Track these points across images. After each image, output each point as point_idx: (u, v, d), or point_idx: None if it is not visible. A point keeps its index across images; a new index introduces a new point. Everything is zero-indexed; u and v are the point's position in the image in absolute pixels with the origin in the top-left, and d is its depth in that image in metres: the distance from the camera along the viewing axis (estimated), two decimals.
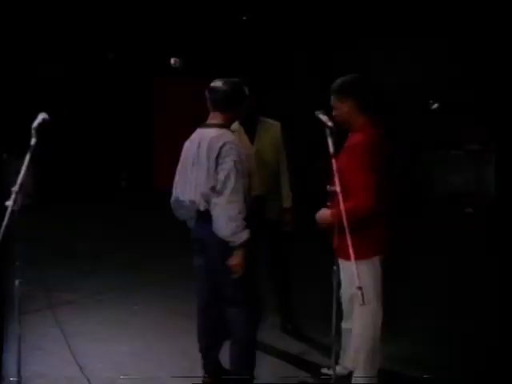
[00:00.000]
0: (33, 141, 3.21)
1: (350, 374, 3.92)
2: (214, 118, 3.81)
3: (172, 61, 12.28)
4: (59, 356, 4.30)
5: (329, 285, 3.38)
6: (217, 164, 3.61)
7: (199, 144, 3.72)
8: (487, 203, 10.41)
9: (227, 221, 3.56)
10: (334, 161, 3.25)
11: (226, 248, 3.64)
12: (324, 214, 3.74)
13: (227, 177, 3.58)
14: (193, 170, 3.75)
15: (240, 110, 3.90)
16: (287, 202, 4.82)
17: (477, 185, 10.97)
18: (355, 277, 2.91)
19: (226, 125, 3.79)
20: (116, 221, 9.54)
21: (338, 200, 3.19)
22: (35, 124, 3.27)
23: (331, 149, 3.28)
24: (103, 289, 6.09)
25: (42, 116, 3.32)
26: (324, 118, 3.42)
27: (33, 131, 3.24)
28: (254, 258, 3.86)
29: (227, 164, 3.59)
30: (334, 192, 3.21)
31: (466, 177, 11.16)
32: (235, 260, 3.61)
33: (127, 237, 8.47)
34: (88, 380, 3.82)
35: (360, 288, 2.89)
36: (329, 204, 3.52)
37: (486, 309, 5.54)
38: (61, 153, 10.55)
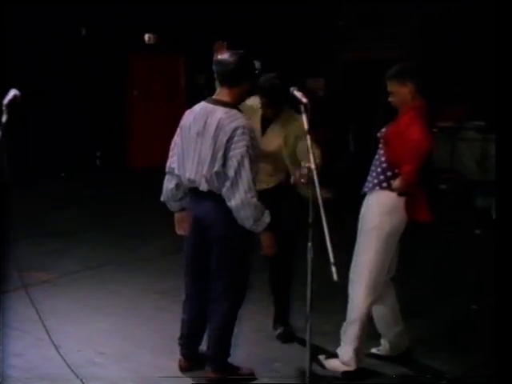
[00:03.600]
0: (4, 118, 3.16)
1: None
2: (222, 94, 3.64)
3: (146, 37, 12.12)
4: (34, 336, 4.27)
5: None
6: (226, 148, 3.47)
7: (206, 120, 3.56)
8: (461, 180, 10.53)
9: (252, 211, 3.47)
10: (308, 137, 3.25)
11: (228, 226, 3.58)
12: (396, 184, 3.76)
13: (241, 163, 3.46)
14: (197, 144, 3.59)
15: (249, 85, 3.68)
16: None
17: (451, 162, 11.06)
18: (329, 251, 2.95)
19: (234, 103, 3.61)
20: (91, 199, 9.46)
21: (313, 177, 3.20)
22: (6, 100, 3.22)
23: (306, 125, 3.28)
24: (78, 267, 6.05)
25: (13, 92, 3.27)
26: (298, 94, 3.41)
27: (4, 108, 3.19)
28: (249, 249, 3.80)
29: (240, 149, 3.46)
30: (309, 168, 3.22)
31: (440, 154, 11.23)
32: (266, 243, 3.64)
33: (102, 215, 8.40)
34: (64, 359, 3.80)
35: (334, 264, 2.92)
36: (303, 181, 3.44)
37: (465, 282, 5.67)
38: (34, 130, 10.41)
